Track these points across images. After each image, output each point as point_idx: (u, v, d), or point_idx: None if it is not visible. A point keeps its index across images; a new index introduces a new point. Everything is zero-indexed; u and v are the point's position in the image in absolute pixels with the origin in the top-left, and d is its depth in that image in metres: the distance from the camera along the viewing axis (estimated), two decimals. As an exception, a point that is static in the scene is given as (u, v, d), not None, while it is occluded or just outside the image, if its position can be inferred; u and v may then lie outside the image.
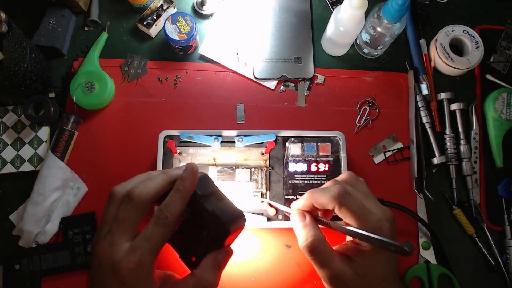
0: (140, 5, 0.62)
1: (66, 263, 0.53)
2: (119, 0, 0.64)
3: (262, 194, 0.52)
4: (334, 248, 0.43)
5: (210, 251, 0.37)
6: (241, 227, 0.39)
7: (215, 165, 0.53)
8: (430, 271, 0.55)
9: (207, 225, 0.37)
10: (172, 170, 0.38)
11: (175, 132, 0.54)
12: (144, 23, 0.62)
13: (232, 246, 0.40)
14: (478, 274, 0.57)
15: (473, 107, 0.62)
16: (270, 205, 0.51)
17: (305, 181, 0.53)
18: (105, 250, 0.34)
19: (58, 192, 0.55)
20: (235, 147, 0.54)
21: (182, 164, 0.53)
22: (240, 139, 0.53)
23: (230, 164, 0.53)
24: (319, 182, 0.53)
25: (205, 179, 0.39)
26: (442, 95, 0.62)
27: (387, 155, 0.60)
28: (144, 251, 0.34)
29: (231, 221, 0.36)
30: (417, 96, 0.61)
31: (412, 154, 0.59)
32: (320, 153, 0.54)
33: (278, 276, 0.55)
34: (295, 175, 0.53)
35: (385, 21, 0.55)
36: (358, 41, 0.63)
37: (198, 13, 0.64)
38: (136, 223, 0.36)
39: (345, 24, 0.56)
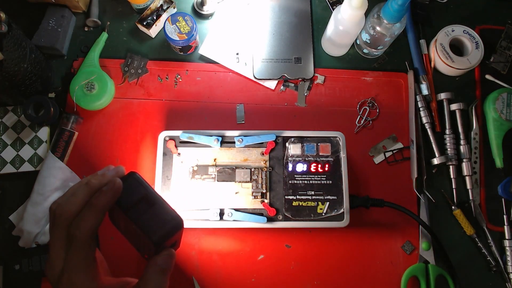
0: (140, 5, 0.62)
1: (66, 263, 0.53)
2: (119, 0, 0.64)
3: (262, 194, 0.52)
4: None
5: (154, 253, 0.36)
6: (175, 231, 0.36)
7: (215, 165, 0.53)
8: (428, 272, 0.55)
9: (139, 234, 0.35)
10: (96, 178, 0.35)
11: (175, 132, 0.54)
12: (144, 23, 0.61)
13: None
14: (478, 274, 0.57)
15: (473, 107, 0.62)
16: None
17: (305, 181, 0.53)
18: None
19: (58, 192, 0.55)
20: (235, 147, 0.54)
21: (183, 163, 0.53)
22: (240, 139, 0.53)
23: (230, 164, 0.53)
24: (319, 182, 0.53)
25: (133, 184, 0.36)
26: (442, 95, 0.62)
27: (387, 155, 0.60)
28: (70, 273, 0.33)
29: (158, 230, 0.34)
30: (417, 96, 0.61)
31: (412, 154, 0.59)
32: (320, 153, 0.54)
33: (278, 276, 0.55)
34: (295, 175, 0.53)
35: (385, 21, 0.55)
36: (358, 41, 0.63)
37: (198, 13, 0.64)
38: (64, 244, 0.34)
39: (345, 24, 0.56)
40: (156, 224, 0.35)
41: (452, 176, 0.59)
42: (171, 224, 0.36)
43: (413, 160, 0.58)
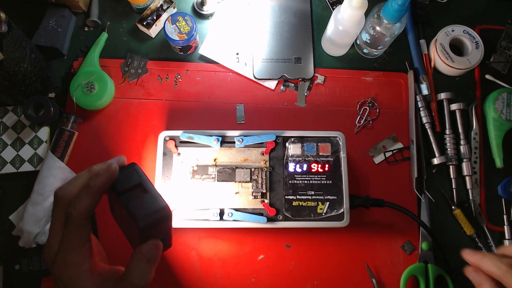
0: (140, 5, 0.62)
1: (66, 263, 0.53)
2: (119, 0, 0.64)
3: (262, 194, 0.52)
4: None
5: (140, 242, 0.37)
6: (162, 220, 0.37)
7: (215, 165, 0.53)
8: (427, 271, 0.55)
9: (129, 221, 0.36)
10: (98, 165, 0.37)
11: (175, 132, 0.54)
12: (144, 23, 0.62)
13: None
14: (478, 274, 0.57)
15: (473, 107, 0.62)
16: None
17: (305, 181, 0.53)
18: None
19: (58, 192, 0.55)
20: (235, 147, 0.54)
21: (183, 163, 0.53)
22: (240, 139, 0.53)
23: (230, 164, 0.53)
24: (319, 182, 0.53)
25: (131, 172, 0.38)
26: (442, 95, 0.62)
27: (387, 155, 0.60)
28: (64, 252, 0.34)
29: (146, 217, 0.35)
30: (417, 96, 0.61)
31: (412, 154, 0.59)
32: (320, 153, 0.54)
33: (278, 276, 0.55)
34: (295, 175, 0.53)
35: (385, 21, 0.55)
36: (358, 41, 0.63)
37: (198, 13, 0.64)
38: (62, 225, 0.35)
39: (345, 24, 0.56)
40: (145, 211, 0.36)
41: (452, 176, 0.59)
42: (159, 213, 0.36)
43: (413, 160, 0.58)
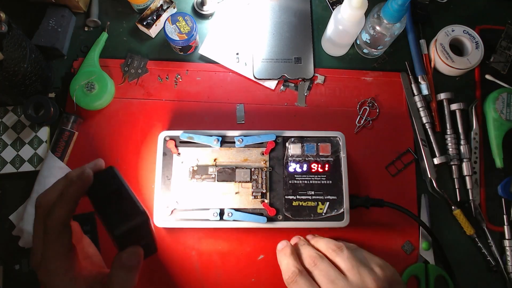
0: (140, 5, 0.62)
1: (66, 263, 0.53)
2: (119, 0, 0.64)
3: (262, 194, 0.52)
4: None
5: (118, 249, 0.36)
6: (139, 227, 0.36)
7: (215, 165, 0.53)
8: (427, 272, 0.55)
9: (106, 227, 0.35)
10: (75, 170, 0.36)
11: (175, 132, 0.54)
12: (144, 23, 0.62)
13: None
14: (477, 274, 0.57)
15: (473, 107, 0.62)
16: None
17: (305, 181, 0.53)
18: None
19: (58, 192, 0.55)
20: (235, 147, 0.54)
21: (183, 163, 0.53)
22: (240, 139, 0.53)
23: (230, 164, 0.53)
24: (319, 182, 0.53)
25: (108, 177, 0.36)
26: (442, 95, 0.62)
27: (389, 170, 0.59)
28: (48, 260, 0.34)
29: (121, 224, 0.34)
30: (417, 97, 0.61)
31: (421, 155, 0.59)
32: (320, 153, 0.54)
33: (278, 276, 0.55)
34: (295, 175, 0.53)
35: (385, 21, 0.55)
36: (358, 41, 0.63)
37: (198, 13, 0.64)
38: (42, 233, 0.35)
39: (345, 24, 0.56)
40: (119, 218, 0.35)
41: (454, 176, 0.59)
42: (136, 220, 0.35)
43: (429, 160, 0.58)
